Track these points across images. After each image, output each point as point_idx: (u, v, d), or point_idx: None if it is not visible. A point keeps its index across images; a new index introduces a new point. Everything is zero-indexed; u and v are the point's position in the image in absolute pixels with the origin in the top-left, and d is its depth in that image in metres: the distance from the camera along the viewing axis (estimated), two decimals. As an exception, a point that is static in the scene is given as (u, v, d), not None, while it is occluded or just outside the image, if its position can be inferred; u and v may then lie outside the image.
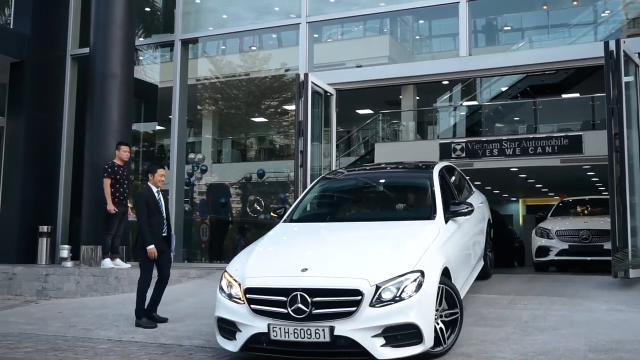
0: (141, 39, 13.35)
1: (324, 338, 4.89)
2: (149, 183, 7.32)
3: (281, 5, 12.22)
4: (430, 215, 6.22)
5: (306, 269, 5.19)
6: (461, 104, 20.98)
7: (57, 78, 12.27)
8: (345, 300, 4.92)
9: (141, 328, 6.96)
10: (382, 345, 4.90)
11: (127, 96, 10.74)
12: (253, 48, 16.76)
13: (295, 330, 4.95)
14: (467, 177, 8.41)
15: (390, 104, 21.07)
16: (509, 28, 20.05)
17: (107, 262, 9.76)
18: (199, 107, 19.14)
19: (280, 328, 5.01)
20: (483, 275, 8.05)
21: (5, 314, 8.52)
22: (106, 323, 7.42)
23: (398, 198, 7.18)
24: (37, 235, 11.16)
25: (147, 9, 14.09)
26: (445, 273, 5.48)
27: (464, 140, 17.94)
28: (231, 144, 22.84)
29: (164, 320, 7.13)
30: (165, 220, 7.22)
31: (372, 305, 4.91)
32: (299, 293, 4.96)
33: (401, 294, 4.96)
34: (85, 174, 10.59)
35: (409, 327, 4.95)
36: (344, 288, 4.97)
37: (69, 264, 10.36)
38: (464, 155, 17.60)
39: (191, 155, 17.98)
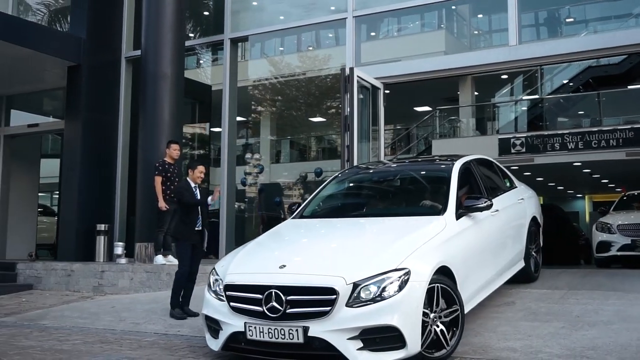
0: (195, 40, 13.55)
1: (298, 339, 4.63)
2: (187, 178, 7.46)
3: (330, 1, 12.17)
4: (440, 210, 5.80)
5: (284, 266, 4.98)
6: (521, 98, 20.50)
7: (112, 80, 12.60)
8: (320, 299, 4.64)
9: (174, 319, 7.11)
10: (359, 349, 4.57)
11: (178, 96, 10.92)
12: (310, 48, 16.83)
13: (270, 330, 4.73)
14: (508, 171, 7.92)
15: (448, 100, 20.81)
16: (572, 20, 19.44)
17: (159, 259, 9.94)
18: (257, 107, 19.37)
19: (255, 327, 4.80)
20: (526, 279, 7.50)
21: (61, 308, 8.80)
22: (155, 317, 7.56)
23: (412, 193, 6.83)
24: (95, 233, 11.48)
25: (198, 10, 14.30)
26: (446, 272, 5.11)
27: (524, 135, 17.56)
28: (289, 144, 23.09)
29: (195, 314, 7.12)
30: (199, 216, 7.33)
31: (349, 305, 4.59)
32: (273, 291, 4.73)
33: (382, 293, 4.60)
34: (138, 173, 10.83)
35: (389, 330, 4.57)
36: (317, 286, 4.69)
37: (123, 260, 10.61)
38: (524, 150, 17.24)
39: (248, 156, 18.22)
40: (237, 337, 4.96)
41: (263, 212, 14.96)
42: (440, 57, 10.81)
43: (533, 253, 7.65)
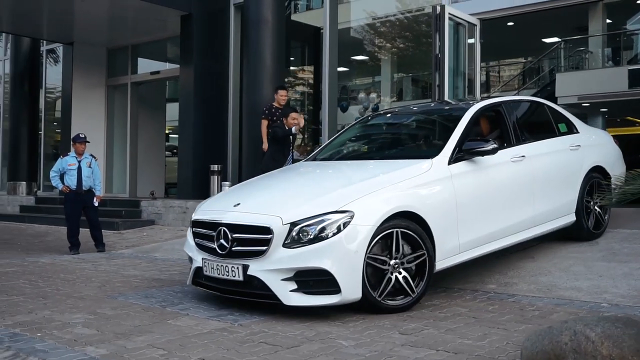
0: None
1: (239, 277, 4.72)
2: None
3: None
4: (433, 153, 5.41)
5: (238, 204, 5.06)
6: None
7: (222, 27, 13.00)
8: (258, 239, 4.70)
9: None
10: (293, 291, 4.56)
11: (280, 40, 11.18)
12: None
13: (219, 267, 4.88)
14: (569, 115, 7.07)
15: (580, 30, 19.61)
16: None
17: (263, 198, 10.42)
18: (379, 45, 19.27)
19: (208, 263, 4.98)
20: (578, 236, 6.71)
21: (173, 242, 9.64)
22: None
23: (418, 136, 6.60)
24: (209, 173, 12.20)
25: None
26: (415, 218, 4.85)
27: (657, 65, 16.28)
28: (411, 81, 22.87)
29: None
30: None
31: (285, 245, 4.58)
32: (222, 228, 4.87)
33: (319, 235, 4.53)
34: (243, 116, 11.33)
35: (322, 273, 4.49)
36: (256, 225, 4.75)
37: (230, 199, 11.25)
38: (655, 81, 16.00)
39: (362, 95, 18.28)
40: (199, 272, 5.19)
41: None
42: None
43: (594, 208, 6.79)
